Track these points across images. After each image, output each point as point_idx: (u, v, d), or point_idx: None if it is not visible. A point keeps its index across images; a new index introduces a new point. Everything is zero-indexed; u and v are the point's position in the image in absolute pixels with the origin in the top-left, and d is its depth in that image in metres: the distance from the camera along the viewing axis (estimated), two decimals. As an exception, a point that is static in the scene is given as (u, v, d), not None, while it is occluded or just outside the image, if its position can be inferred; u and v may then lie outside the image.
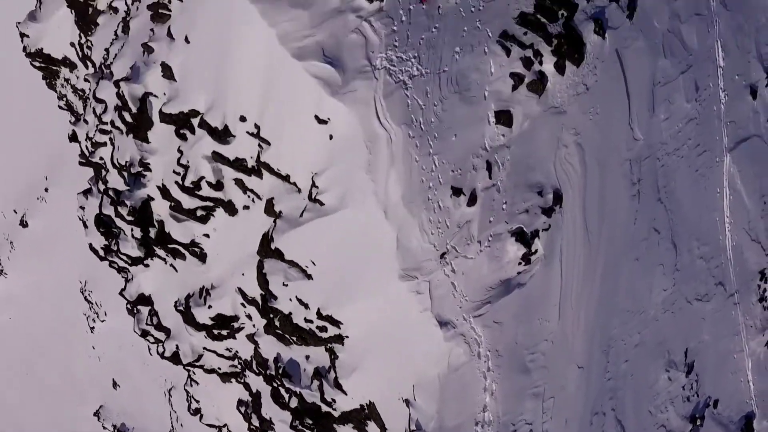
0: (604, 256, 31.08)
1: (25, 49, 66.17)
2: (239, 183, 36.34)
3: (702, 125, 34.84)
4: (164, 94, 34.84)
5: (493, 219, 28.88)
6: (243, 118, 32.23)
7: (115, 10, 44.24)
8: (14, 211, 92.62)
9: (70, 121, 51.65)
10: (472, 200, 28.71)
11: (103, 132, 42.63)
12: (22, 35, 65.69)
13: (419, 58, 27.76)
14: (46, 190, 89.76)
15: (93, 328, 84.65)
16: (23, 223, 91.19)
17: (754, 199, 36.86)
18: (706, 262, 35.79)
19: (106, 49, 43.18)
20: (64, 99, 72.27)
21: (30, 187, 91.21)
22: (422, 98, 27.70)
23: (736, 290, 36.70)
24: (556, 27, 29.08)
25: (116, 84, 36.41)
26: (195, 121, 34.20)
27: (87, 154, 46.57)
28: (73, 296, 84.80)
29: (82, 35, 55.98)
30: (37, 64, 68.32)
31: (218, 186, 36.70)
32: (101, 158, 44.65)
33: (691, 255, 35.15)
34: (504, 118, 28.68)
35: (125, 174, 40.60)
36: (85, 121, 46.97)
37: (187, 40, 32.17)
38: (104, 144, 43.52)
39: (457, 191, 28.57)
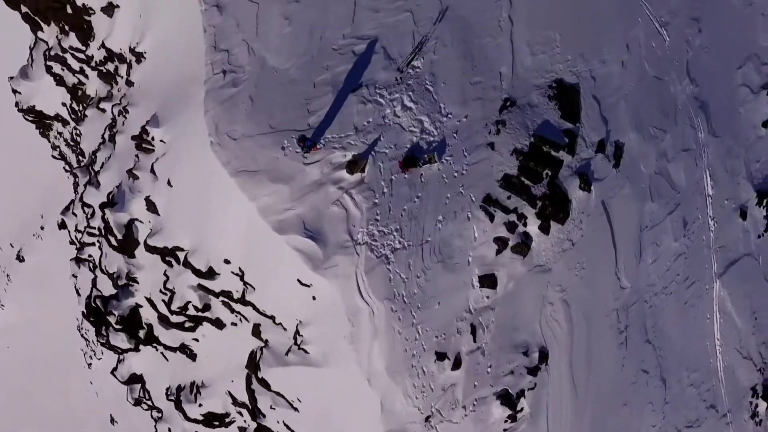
0: (591, 407, 30.88)
1: (17, 104, 65.72)
2: (226, 305, 36.05)
3: (691, 258, 34.56)
4: (149, 222, 34.49)
5: (478, 383, 28.66)
6: (227, 261, 31.87)
7: (103, 111, 43.64)
8: (11, 245, 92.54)
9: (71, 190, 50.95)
10: (456, 364, 28.40)
11: (91, 234, 42.34)
12: (15, 91, 65.23)
13: (401, 231, 27.33)
14: (42, 228, 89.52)
15: (90, 364, 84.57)
16: (20, 258, 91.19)
17: (744, 317, 36.80)
18: (697, 388, 35.73)
19: (94, 152, 42.73)
20: (58, 150, 72.00)
21: (26, 224, 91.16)
22: (405, 271, 27.31)
23: (729, 410, 36.70)
24: (540, 188, 28.65)
25: (102, 209, 36.01)
26: (180, 254, 33.81)
27: (77, 245, 46.29)
28: (70, 333, 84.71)
29: (73, 101, 55.52)
30: (30, 118, 67.97)
31: (205, 308, 36.46)
32: (90, 255, 44.48)
33: (681, 385, 35.06)
34: (488, 281, 28.31)
35: (113, 281, 40.40)
36: (74, 214, 46.65)
37: (169, 184, 31.72)
38: (93, 244, 43.27)
39: (441, 356, 28.23)
